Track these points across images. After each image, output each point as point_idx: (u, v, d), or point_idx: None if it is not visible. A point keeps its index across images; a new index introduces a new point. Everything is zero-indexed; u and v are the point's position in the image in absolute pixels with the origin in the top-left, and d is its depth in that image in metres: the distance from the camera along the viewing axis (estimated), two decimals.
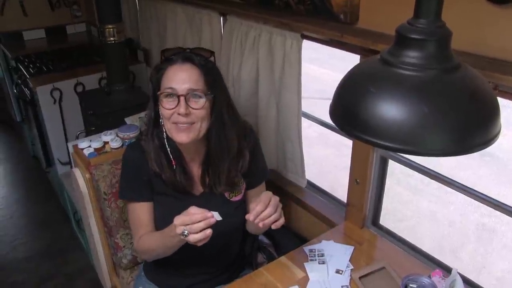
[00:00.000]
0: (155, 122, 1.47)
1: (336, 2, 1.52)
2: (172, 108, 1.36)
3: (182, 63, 1.38)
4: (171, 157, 1.47)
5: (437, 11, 0.76)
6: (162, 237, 1.44)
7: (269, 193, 1.36)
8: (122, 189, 1.58)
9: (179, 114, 1.35)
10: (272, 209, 1.32)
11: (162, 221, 1.51)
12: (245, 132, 1.57)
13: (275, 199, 1.34)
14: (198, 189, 1.55)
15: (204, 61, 1.41)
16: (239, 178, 1.57)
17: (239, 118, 1.58)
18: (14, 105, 4.09)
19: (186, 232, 1.25)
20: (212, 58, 1.47)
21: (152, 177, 1.50)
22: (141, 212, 1.53)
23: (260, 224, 1.31)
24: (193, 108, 1.36)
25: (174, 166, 1.48)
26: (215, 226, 1.41)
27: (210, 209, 1.33)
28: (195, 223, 1.25)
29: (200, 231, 1.25)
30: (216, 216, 1.28)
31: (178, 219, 1.27)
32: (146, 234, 1.52)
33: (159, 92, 1.39)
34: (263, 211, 1.31)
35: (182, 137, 1.39)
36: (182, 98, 1.34)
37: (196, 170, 1.54)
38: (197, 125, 1.39)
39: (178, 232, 1.26)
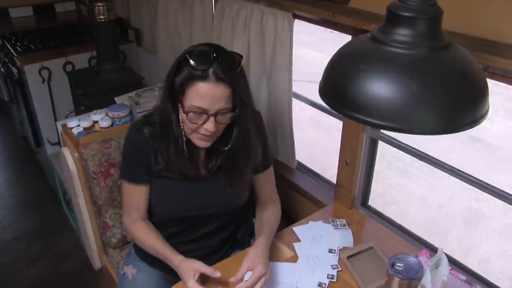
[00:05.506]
0: (172, 123, 1.39)
1: None
2: (199, 123, 1.32)
3: (216, 82, 1.26)
4: (185, 151, 1.42)
5: None
6: (156, 251, 1.50)
7: (261, 273, 1.36)
8: (123, 169, 1.57)
9: (205, 129, 1.32)
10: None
11: (162, 202, 1.53)
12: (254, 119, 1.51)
13: (261, 282, 1.36)
14: (201, 171, 1.52)
15: (235, 76, 1.30)
16: None
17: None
18: (2, 84, 4.01)
19: None
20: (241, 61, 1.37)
21: (155, 160, 1.48)
22: (137, 194, 1.53)
23: None
24: (220, 123, 1.33)
25: (187, 155, 1.43)
26: (215, 207, 1.51)
27: (214, 191, 1.48)
28: None
29: None
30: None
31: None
32: (142, 230, 1.54)
33: (186, 110, 1.31)
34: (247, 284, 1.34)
35: (203, 144, 1.38)
36: (212, 118, 1.30)
37: (201, 154, 1.51)
38: (219, 133, 1.38)
39: None
